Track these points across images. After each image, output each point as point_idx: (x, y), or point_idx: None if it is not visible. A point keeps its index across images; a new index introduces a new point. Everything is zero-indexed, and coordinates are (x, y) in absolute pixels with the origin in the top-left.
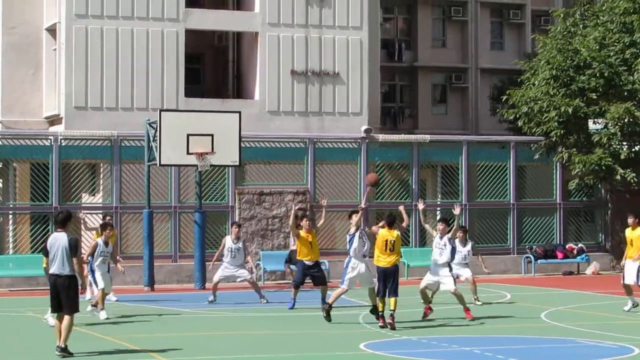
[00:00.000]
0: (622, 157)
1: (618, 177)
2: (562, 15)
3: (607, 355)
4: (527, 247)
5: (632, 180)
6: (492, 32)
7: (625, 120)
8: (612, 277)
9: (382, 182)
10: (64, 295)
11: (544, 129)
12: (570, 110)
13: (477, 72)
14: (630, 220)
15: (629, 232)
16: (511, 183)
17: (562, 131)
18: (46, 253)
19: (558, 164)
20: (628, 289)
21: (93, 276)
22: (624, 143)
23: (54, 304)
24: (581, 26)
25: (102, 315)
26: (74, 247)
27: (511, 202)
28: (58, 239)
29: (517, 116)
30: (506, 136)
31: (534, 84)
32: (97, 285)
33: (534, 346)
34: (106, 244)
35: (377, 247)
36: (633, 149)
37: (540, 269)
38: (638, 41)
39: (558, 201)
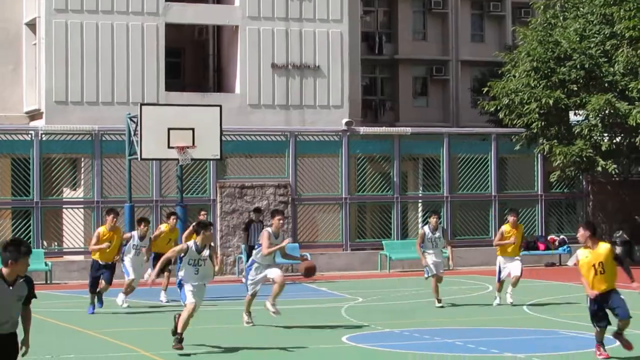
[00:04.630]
0: (603, 148)
1: (599, 168)
2: (542, 7)
3: (589, 347)
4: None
5: (613, 172)
6: (473, 24)
7: (606, 111)
8: None
9: (364, 174)
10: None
11: (524, 121)
12: (551, 101)
13: (457, 65)
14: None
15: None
16: (492, 175)
17: (543, 123)
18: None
19: (539, 155)
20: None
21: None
22: (605, 134)
23: None
24: (561, 18)
25: (120, 298)
26: None
27: (493, 194)
28: None
29: (498, 108)
30: (487, 128)
31: (514, 76)
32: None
33: (516, 338)
34: (141, 238)
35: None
36: (614, 140)
37: (522, 261)
38: (618, 32)
39: (539, 193)
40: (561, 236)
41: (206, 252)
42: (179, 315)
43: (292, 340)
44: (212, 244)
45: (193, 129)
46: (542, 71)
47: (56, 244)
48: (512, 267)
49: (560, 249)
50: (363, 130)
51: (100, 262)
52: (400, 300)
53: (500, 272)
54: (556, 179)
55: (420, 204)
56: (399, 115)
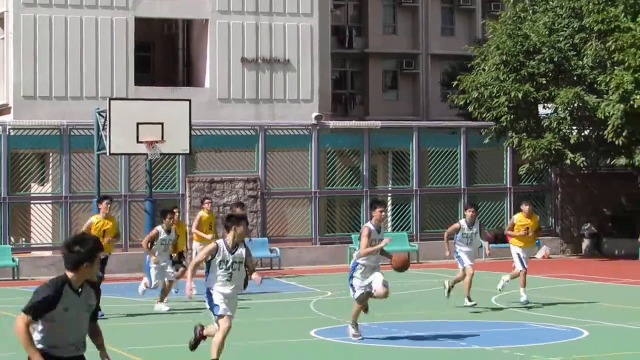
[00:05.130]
0: (572, 141)
1: (568, 161)
2: (512, 0)
3: (558, 338)
4: None
5: (581, 164)
6: (443, 18)
7: (575, 104)
8: (562, 260)
9: (334, 168)
10: None
11: (494, 114)
12: (520, 95)
13: (427, 58)
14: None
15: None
16: (462, 168)
17: (512, 116)
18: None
19: (508, 148)
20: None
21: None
22: (574, 127)
23: None
24: (531, 11)
25: (159, 307)
26: None
27: (462, 187)
28: None
29: (468, 102)
30: (457, 122)
31: (484, 70)
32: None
33: (485, 330)
34: (168, 231)
35: None
36: (582, 133)
37: (491, 253)
38: (587, 26)
39: (508, 186)
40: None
41: (241, 252)
42: (201, 328)
43: (260, 335)
44: (248, 242)
45: (162, 124)
46: (511, 65)
47: (24, 239)
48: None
49: None
50: (333, 124)
51: None
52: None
53: (522, 261)
54: (525, 171)
55: (389, 198)
56: (369, 109)
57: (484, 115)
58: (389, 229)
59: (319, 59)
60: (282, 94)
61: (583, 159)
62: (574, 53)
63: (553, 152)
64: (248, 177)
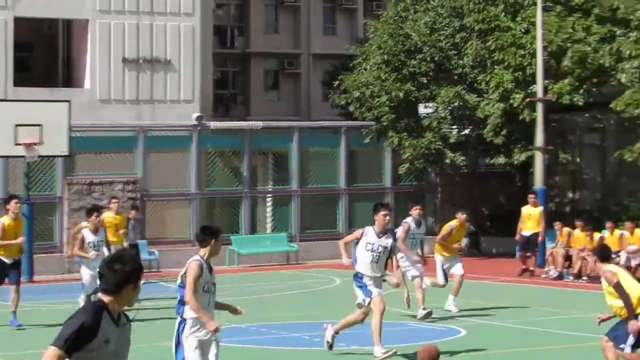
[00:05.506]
0: (452, 140)
1: (447, 160)
2: (393, 0)
3: (437, 337)
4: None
5: (461, 164)
6: (325, 18)
7: (455, 104)
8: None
9: (214, 169)
10: None
11: (375, 114)
12: (401, 94)
13: (309, 58)
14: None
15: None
16: (342, 168)
17: (392, 116)
18: None
19: (389, 148)
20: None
21: None
22: (454, 127)
23: None
24: (412, 11)
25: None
26: None
27: (342, 187)
28: None
29: (349, 101)
30: (338, 121)
31: (365, 69)
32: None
33: (363, 330)
34: (95, 231)
35: None
36: (462, 133)
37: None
38: (468, 25)
39: (389, 185)
40: None
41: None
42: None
43: (134, 338)
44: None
45: (41, 125)
46: (392, 64)
47: None
48: (456, 268)
49: None
50: (213, 124)
51: (6, 261)
52: (248, 295)
53: (445, 274)
54: (405, 171)
55: (269, 199)
56: (250, 109)
57: (365, 115)
58: (268, 230)
59: (201, 59)
60: (163, 95)
61: (463, 158)
62: (455, 52)
63: (433, 151)
64: (128, 179)
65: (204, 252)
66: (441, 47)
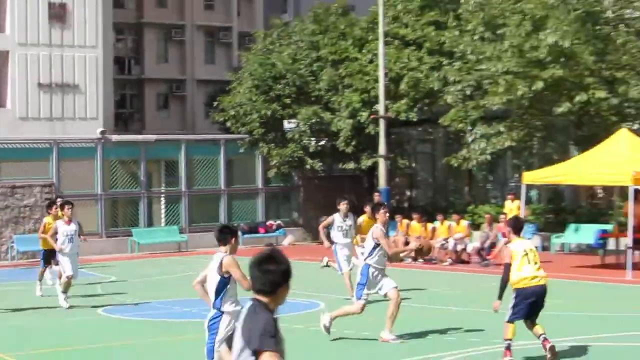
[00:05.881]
0: (311, 150)
1: (308, 166)
2: (262, 35)
3: (298, 310)
4: (236, 224)
5: (319, 169)
6: (206, 50)
7: (313, 120)
8: (305, 246)
9: (116, 174)
10: None
11: (248, 129)
12: (269, 112)
13: (193, 83)
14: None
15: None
16: (222, 173)
17: (262, 130)
18: None
19: (259, 156)
20: None
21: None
22: (312, 138)
23: None
24: (278, 44)
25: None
26: None
27: (222, 188)
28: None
29: (226, 118)
30: (218, 135)
31: (239, 92)
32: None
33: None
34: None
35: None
36: (319, 143)
37: (247, 242)
38: (323, 56)
39: (260, 187)
40: (277, 221)
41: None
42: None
43: (51, 316)
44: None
45: None
46: (261, 88)
47: None
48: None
49: (277, 231)
50: (115, 138)
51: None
52: (149, 277)
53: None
54: (273, 175)
55: (163, 198)
56: (145, 125)
57: (240, 129)
58: (162, 223)
59: (103, 83)
60: (72, 113)
61: (320, 164)
62: (313, 78)
63: (296, 159)
64: (44, 183)
65: (225, 249)
66: (301, 74)
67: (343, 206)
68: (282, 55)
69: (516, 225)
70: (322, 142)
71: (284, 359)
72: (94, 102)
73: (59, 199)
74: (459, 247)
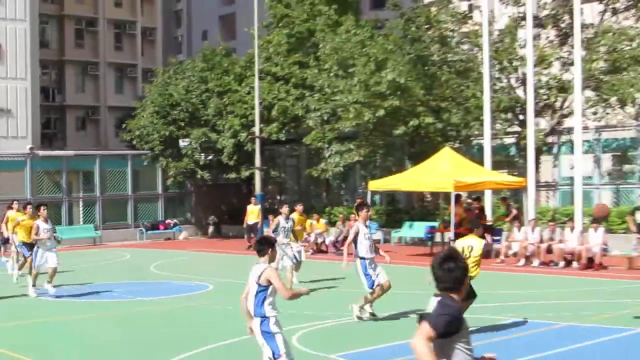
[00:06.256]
0: (201, 163)
1: (198, 176)
2: (161, 71)
3: (190, 291)
4: (140, 222)
5: (207, 178)
6: (116, 82)
7: (203, 139)
8: (197, 240)
9: (43, 183)
10: None
11: (150, 146)
12: (167, 133)
13: (106, 109)
14: None
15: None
16: (129, 181)
17: (161, 147)
18: None
19: (160, 168)
20: None
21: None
22: (202, 154)
23: None
24: (174, 78)
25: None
26: None
27: (129, 193)
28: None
29: (133, 138)
30: (126, 151)
31: (143, 116)
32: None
33: (155, 288)
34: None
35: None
36: (208, 158)
37: (150, 237)
38: (210, 88)
39: (160, 192)
40: (174, 220)
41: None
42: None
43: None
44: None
45: None
46: (161, 113)
47: None
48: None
49: (174, 228)
50: (42, 153)
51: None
52: (70, 267)
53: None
54: (171, 183)
55: (81, 202)
56: (67, 143)
57: (144, 146)
58: (81, 222)
59: (32, 108)
60: (5, 133)
61: (208, 175)
62: (202, 106)
63: (189, 170)
64: None
65: (263, 259)
66: (193, 103)
67: (285, 209)
68: (178, 87)
69: (473, 224)
70: (210, 157)
71: (470, 343)
72: (24, 123)
73: (29, 202)
74: (319, 240)
